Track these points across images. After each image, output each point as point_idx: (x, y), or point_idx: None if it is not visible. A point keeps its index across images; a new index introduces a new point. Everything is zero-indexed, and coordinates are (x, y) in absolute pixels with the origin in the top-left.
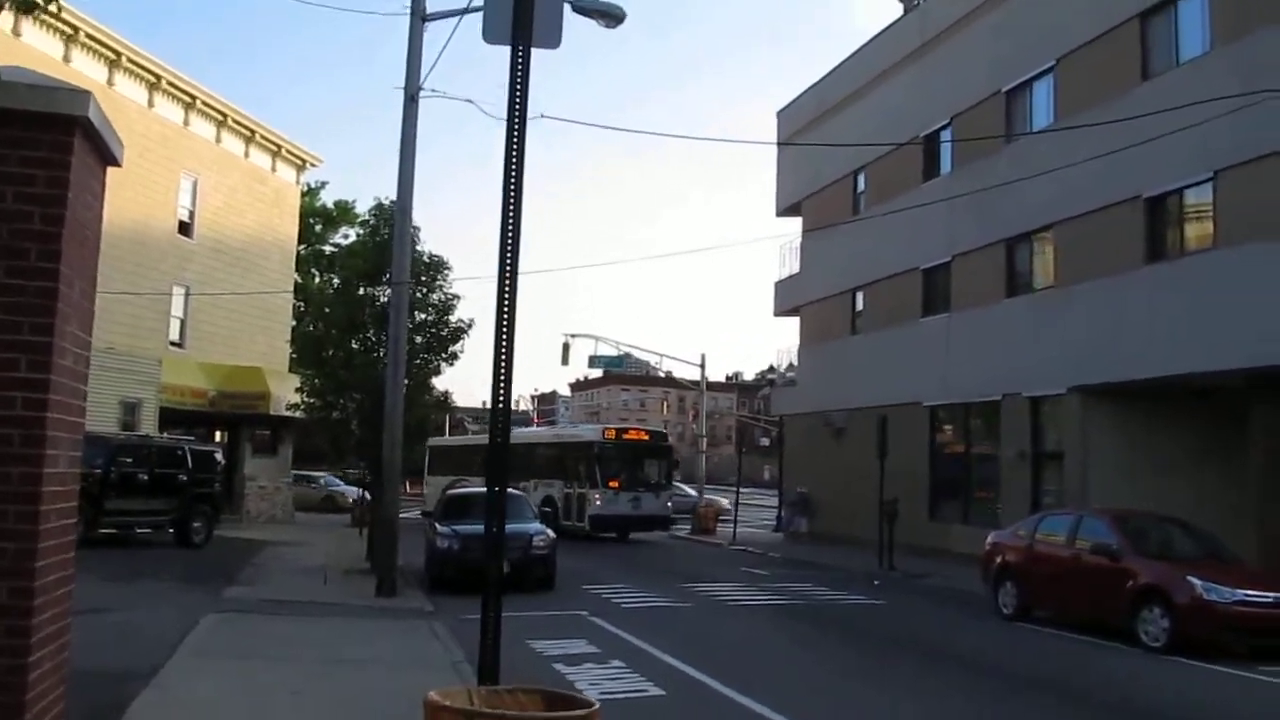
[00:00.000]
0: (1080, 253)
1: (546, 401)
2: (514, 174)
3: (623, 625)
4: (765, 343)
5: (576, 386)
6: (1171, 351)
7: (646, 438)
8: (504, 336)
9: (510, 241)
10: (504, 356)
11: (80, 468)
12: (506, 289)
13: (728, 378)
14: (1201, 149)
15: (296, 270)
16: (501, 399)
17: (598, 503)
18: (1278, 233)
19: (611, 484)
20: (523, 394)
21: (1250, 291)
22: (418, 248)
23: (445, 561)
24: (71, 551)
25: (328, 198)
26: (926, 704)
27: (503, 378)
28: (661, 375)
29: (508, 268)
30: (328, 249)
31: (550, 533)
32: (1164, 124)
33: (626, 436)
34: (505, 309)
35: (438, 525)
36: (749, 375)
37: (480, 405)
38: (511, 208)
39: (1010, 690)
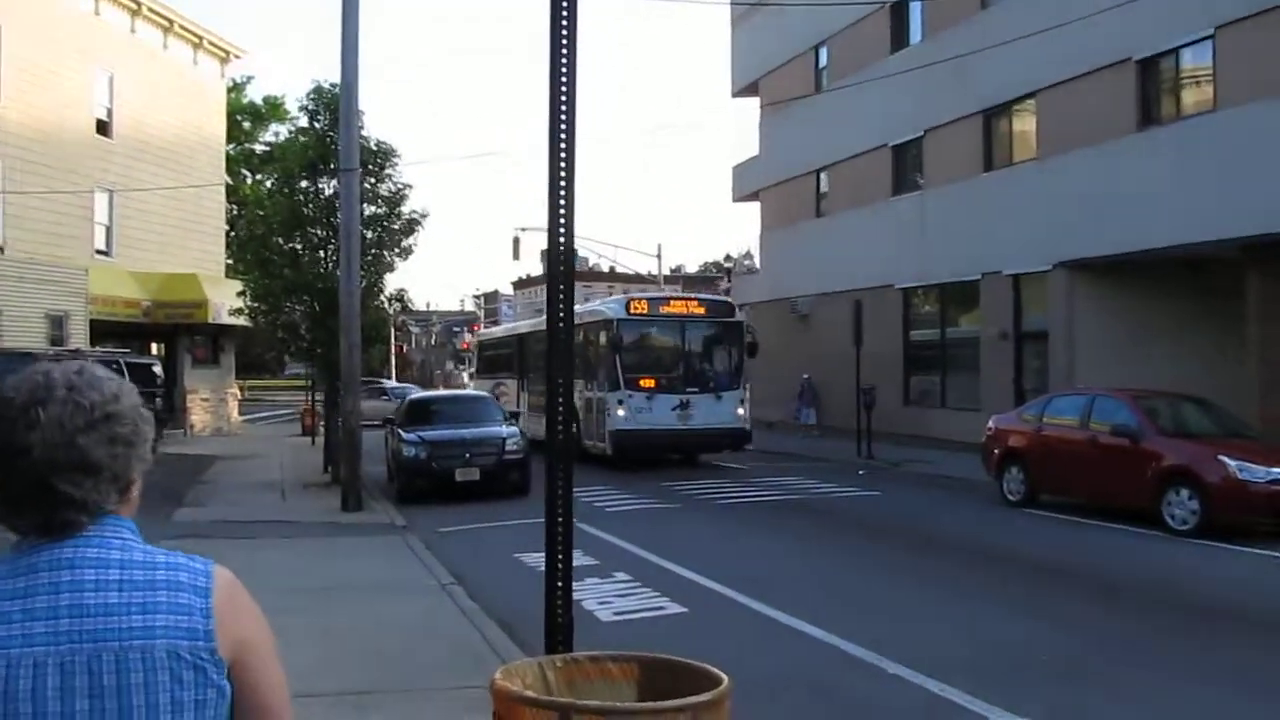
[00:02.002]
0: (1065, 122)
1: (490, 301)
2: None
3: (615, 532)
4: (723, 233)
5: (520, 284)
6: (1166, 222)
7: (700, 310)
8: (561, 168)
9: (563, 50)
10: (562, 205)
11: None
12: (564, 113)
13: (672, 270)
14: (1201, 4)
15: (227, 172)
16: (562, 264)
17: (619, 414)
18: None
19: (642, 383)
20: (466, 293)
21: (1252, 155)
22: (363, 132)
23: (413, 470)
24: None
25: (254, 94)
26: (967, 605)
27: (561, 238)
28: (605, 270)
29: (562, 91)
30: (258, 148)
31: (523, 434)
32: None
33: (666, 309)
34: (563, 133)
35: (402, 432)
36: (705, 265)
37: (425, 308)
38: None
39: (1041, 581)
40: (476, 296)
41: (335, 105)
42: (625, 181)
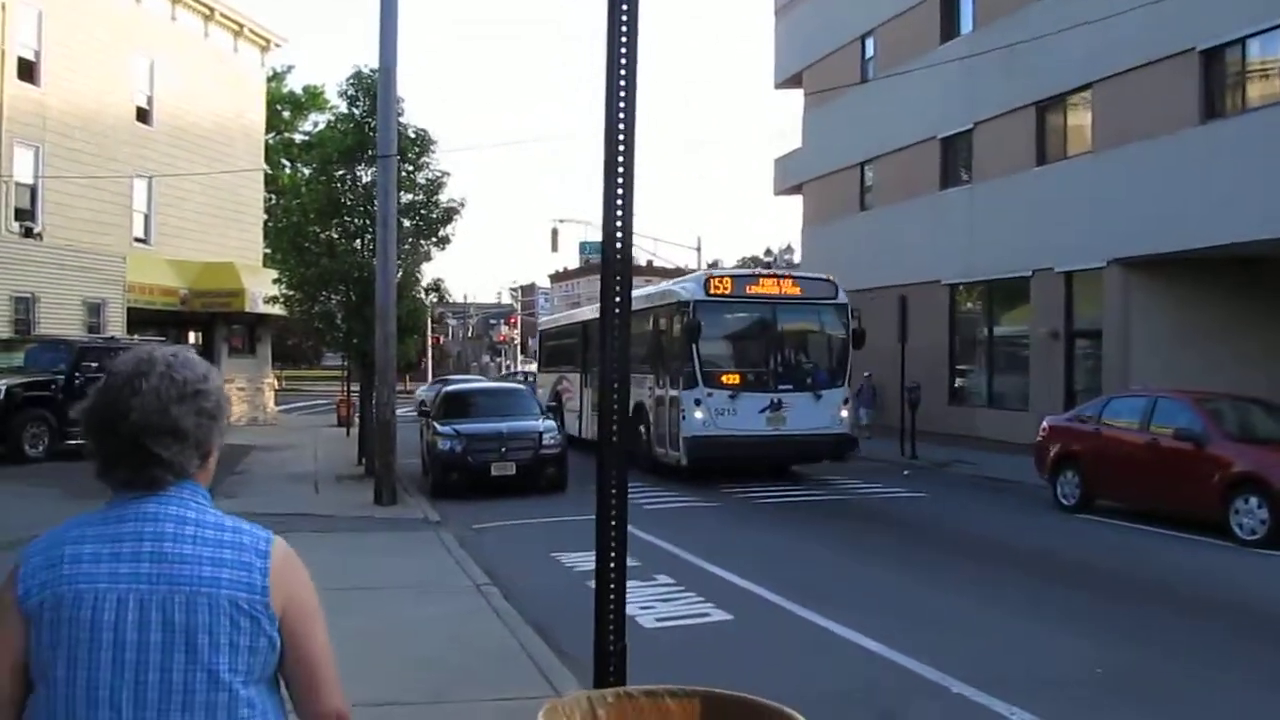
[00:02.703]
0: (1122, 114)
1: (526, 294)
2: None
3: (654, 531)
4: (763, 227)
5: (557, 277)
6: (1227, 219)
7: (795, 289)
8: (620, 145)
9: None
10: (620, 183)
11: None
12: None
13: (710, 265)
14: None
15: (265, 162)
16: (619, 247)
17: (696, 417)
18: None
19: (725, 380)
20: (503, 286)
21: None
22: (401, 119)
23: (448, 465)
24: None
25: (294, 84)
26: (1027, 616)
27: (619, 220)
28: (643, 265)
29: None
30: (298, 138)
31: (559, 429)
32: None
33: (754, 289)
34: (621, 106)
35: (437, 425)
36: (743, 260)
37: (462, 300)
38: None
39: (1104, 591)
40: (514, 289)
41: (374, 91)
42: (664, 173)
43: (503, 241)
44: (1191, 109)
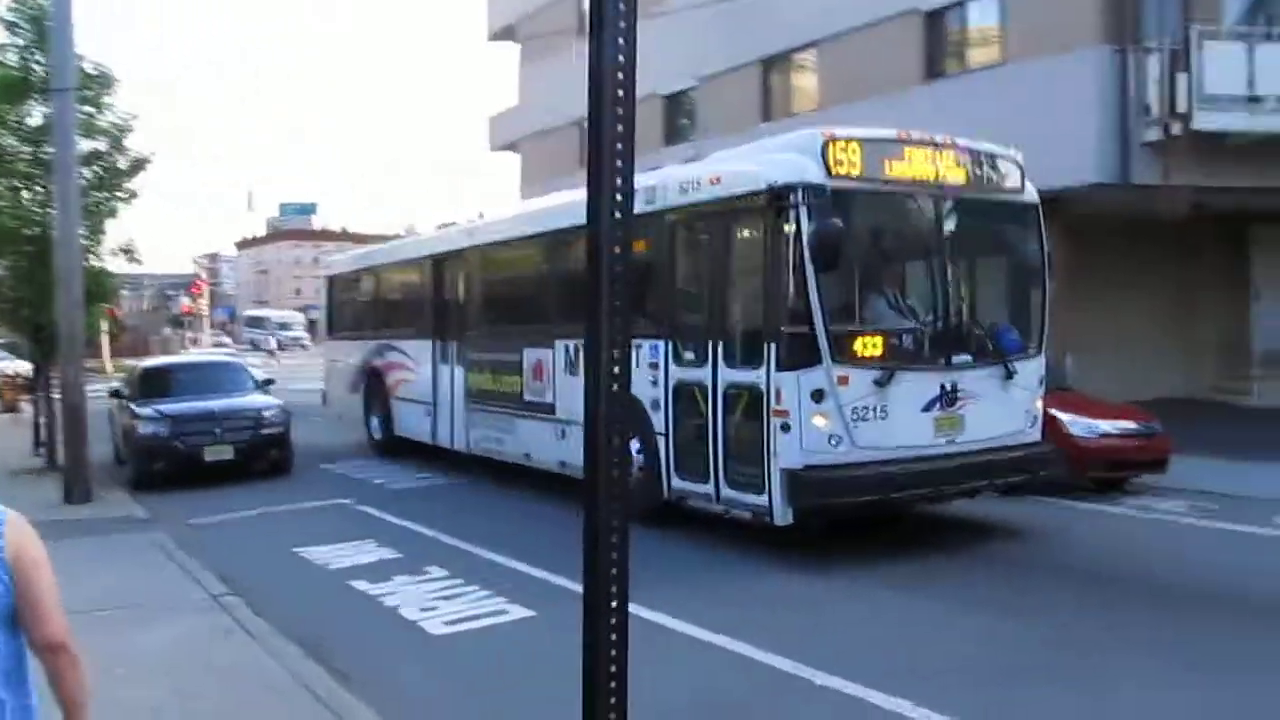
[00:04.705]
0: (849, 72)
1: (212, 262)
2: None
3: (408, 515)
4: (482, 186)
5: (244, 244)
6: None
7: (961, 174)
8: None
9: None
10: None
11: None
12: None
13: (407, 231)
14: None
15: None
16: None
17: (816, 425)
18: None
19: (865, 351)
20: (182, 256)
21: (1035, 111)
22: (78, 53)
23: (152, 452)
24: None
25: None
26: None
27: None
28: (336, 230)
29: None
30: None
31: (280, 403)
32: None
33: (898, 168)
34: None
35: (134, 407)
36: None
37: (135, 269)
38: None
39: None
40: (198, 260)
41: (41, 17)
42: (372, 132)
43: (179, 207)
44: (915, 68)
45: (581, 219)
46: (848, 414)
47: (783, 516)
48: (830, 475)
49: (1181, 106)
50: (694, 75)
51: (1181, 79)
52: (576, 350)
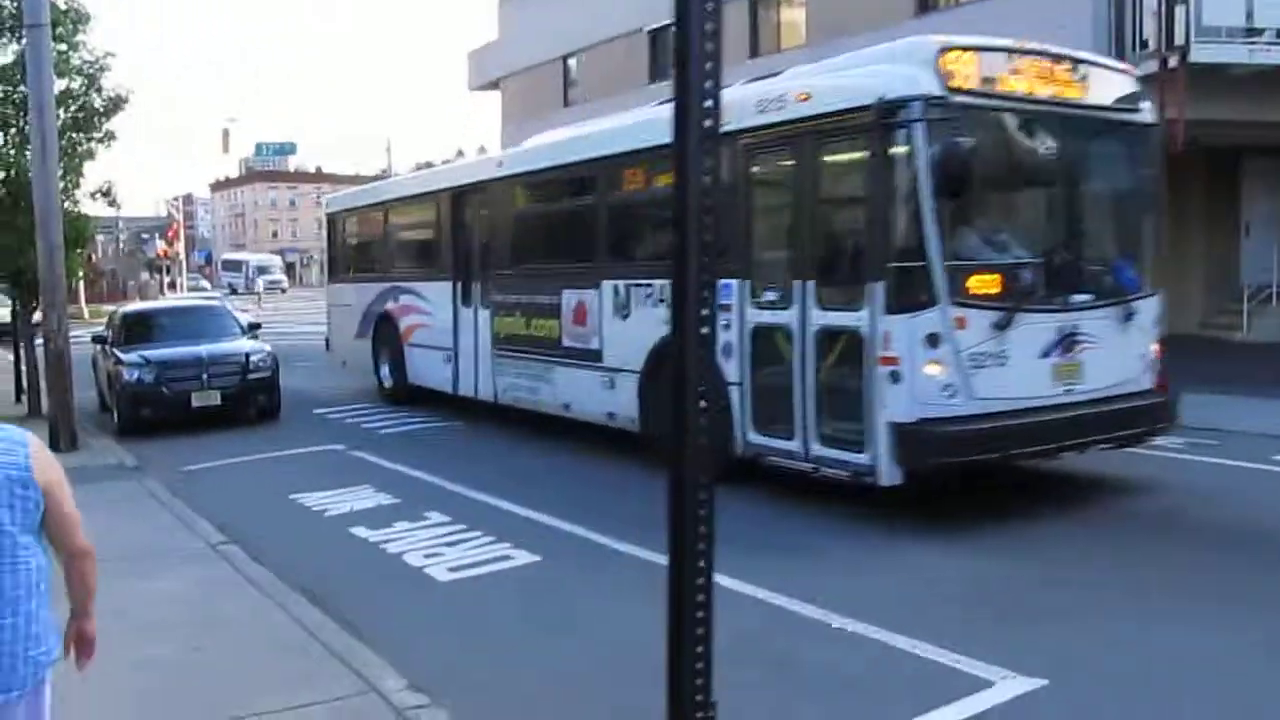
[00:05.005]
0: (837, 7)
1: (187, 204)
2: None
3: (403, 459)
4: (458, 126)
5: (217, 186)
6: None
7: (1076, 89)
8: None
9: None
10: None
11: None
12: None
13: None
14: None
15: None
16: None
17: (929, 375)
18: None
19: (979, 288)
20: (157, 197)
21: None
22: None
23: (139, 398)
24: None
25: None
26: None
27: None
28: (311, 170)
29: None
30: None
31: (268, 348)
32: None
33: (1014, 81)
34: None
35: (120, 353)
36: (439, 160)
37: (113, 216)
38: None
39: None
40: (172, 201)
41: None
42: (348, 70)
43: (149, 144)
44: (907, 1)
45: (638, 143)
46: (965, 361)
47: (890, 476)
48: (946, 430)
49: (1179, 39)
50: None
51: (1180, 11)
52: (627, 291)
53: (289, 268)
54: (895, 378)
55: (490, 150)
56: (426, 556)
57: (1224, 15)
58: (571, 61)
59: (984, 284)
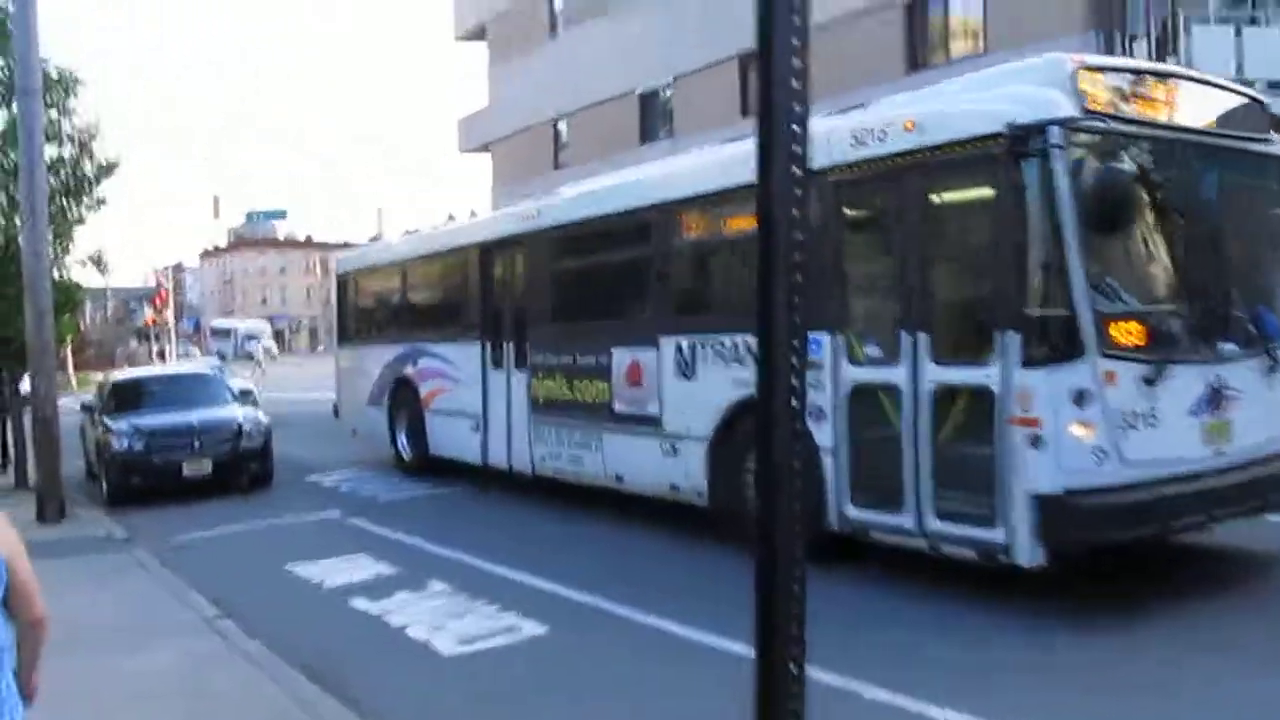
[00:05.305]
0: (830, 64)
1: (176, 272)
2: None
3: (401, 526)
4: (448, 191)
5: (207, 255)
6: None
7: (1210, 116)
8: None
9: None
10: None
11: None
12: None
13: (372, 239)
14: None
15: None
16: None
17: (1075, 436)
18: None
19: (1127, 336)
20: (145, 268)
21: None
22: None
23: (128, 467)
24: None
25: None
26: None
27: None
28: (300, 239)
29: None
30: None
31: (261, 415)
32: None
33: (1149, 105)
34: None
35: (108, 421)
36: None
37: (98, 286)
38: None
39: None
40: (160, 271)
41: (2, 18)
42: (339, 140)
43: (136, 220)
44: (898, 60)
45: (704, 187)
46: (1115, 422)
47: (1030, 556)
48: (1098, 502)
49: None
50: (671, 73)
51: (1170, 61)
52: (692, 348)
53: (278, 335)
54: (1036, 441)
55: (481, 213)
56: (433, 631)
57: (1214, 66)
58: (562, 125)
59: (1130, 333)
